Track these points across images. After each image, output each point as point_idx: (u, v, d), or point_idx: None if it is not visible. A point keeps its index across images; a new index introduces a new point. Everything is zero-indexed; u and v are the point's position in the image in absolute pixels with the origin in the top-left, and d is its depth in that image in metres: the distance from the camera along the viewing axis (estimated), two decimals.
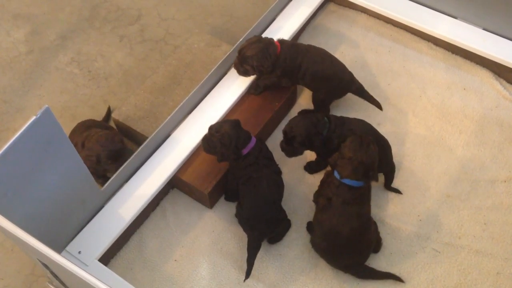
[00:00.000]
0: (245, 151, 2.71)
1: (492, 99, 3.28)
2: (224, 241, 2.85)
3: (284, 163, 2.96)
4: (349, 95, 3.19)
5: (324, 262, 2.76)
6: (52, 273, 2.20)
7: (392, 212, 2.92)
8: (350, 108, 3.25)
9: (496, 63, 3.30)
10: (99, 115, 3.37)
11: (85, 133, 2.90)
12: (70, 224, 2.61)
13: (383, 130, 3.07)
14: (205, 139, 2.75)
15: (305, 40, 3.55)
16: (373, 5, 3.55)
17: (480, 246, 2.80)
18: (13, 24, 3.90)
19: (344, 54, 3.49)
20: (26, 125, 1.97)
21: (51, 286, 2.53)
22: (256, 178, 2.69)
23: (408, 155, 3.09)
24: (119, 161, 2.80)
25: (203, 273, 2.75)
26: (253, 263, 2.66)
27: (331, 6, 3.74)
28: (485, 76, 3.35)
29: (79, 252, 2.60)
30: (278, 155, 2.89)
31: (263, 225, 2.68)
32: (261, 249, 2.72)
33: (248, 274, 2.65)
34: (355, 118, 2.92)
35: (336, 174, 2.57)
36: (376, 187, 2.94)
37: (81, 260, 2.58)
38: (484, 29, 3.37)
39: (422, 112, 3.26)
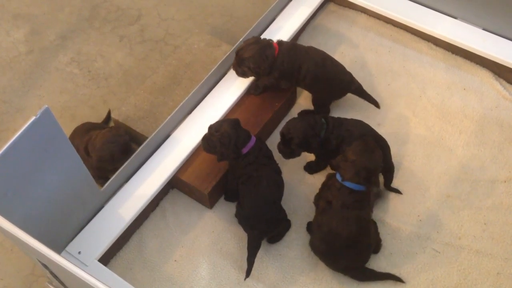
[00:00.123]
0: (244, 150, 2.71)
1: (492, 99, 3.28)
2: (224, 241, 2.85)
3: (284, 163, 2.96)
4: (349, 95, 3.20)
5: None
6: (51, 273, 2.20)
7: (392, 212, 2.91)
8: (350, 108, 3.25)
9: (496, 63, 3.30)
10: (99, 115, 3.38)
11: (86, 137, 2.90)
12: (70, 224, 2.61)
13: (383, 130, 3.07)
14: (205, 138, 2.75)
15: (305, 40, 3.55)
16: (373, 5, 3.55)
17: (480, 246, 2.80)
18: (13, 24, 3.90)
19: (344, 54, 3.49)
20: (26, 125, 1.97)
21: (51, 286, 2.53)
22: (256, 177, 2.69)
23: (408, 155, 3.09)
24: (130, 154, 2.82)
25: (203, 273, 2.74)
26: (253, 262, 2.66)
27: (331, 6, 3.74)
28: (485, 76, 3.35)
29: (79, 253, 2.60)
30: (278, 155, 2.89)
31: (263, 224, 2.68)
32: (261, 249, 2.71)
33: (248, 273, 2.65)
34: (352, 119, 2.93)
35: (338, 176, 2.57)
36: None
37: (81, 261, 2.58)
38: (484, 29, 3.37)
39: (422, 112, 3.26)
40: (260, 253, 2.73)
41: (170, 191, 3.00)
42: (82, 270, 1.71)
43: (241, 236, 2.81)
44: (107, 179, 2.74)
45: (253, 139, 2.75)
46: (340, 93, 3.17)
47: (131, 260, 2.79)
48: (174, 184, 2.97)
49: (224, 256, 2.79)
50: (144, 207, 2.78)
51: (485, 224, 2.87)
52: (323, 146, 2.84)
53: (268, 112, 3.09)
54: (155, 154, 2.91)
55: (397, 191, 2.96)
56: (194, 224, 2.90)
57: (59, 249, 2.60)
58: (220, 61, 3.11)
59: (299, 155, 2.87)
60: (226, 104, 3.08)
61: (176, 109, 2.94)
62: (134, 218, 2.74)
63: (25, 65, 3.70)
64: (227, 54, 3.12)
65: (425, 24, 3.43)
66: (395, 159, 2.94)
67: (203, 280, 2.73)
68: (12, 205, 2.13)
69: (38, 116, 1.99)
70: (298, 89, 3.29)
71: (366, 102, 3.22)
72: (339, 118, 2.92)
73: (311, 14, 3.54)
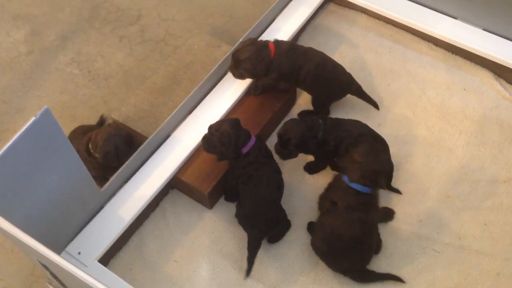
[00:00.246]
0: (245, 150, 2.72)
1: (492, 99, 3.28)
2: (224, 241, 2.85)
3: (284, 164, 2.95)
4: (349, 96, 3.19)
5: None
6: (51, 273, 2.20)
7: None
8: (350, 109, 3.25)
9: (496, 64, 3.30)
10: (99, 116, 3.37)
11: (84, 139, 2.89)
12: (69, 224, 2.61)
13: (383, 130, 3.07)
14: (205, 138, 2.75)
15: (305, 40, 3.55)
16: (373, 6, 3.55)
17: (480, 247, 2.80)
18: (13, 25, 3.90)
19: (344, 55, 3.49)
20: (26, 125, 1.97)
21: (51, 287, 2.53)
22: (256, 176, 2.70)
23: (408, 155, 3.09)
24: (133, 146, 2.82)
25: (203, 274, 2.74)
26: (253, 262, 2.66)
27: (331, 7, 3.74)
28: (485, 77, 3.35)
29: (79, 253, 2.60)
30: (277, 155, 2.88)
31: (263, 224, 2.69)
32: (261, 250, 2.72)
33: (248, 272, 2.66)
34: (351, 119, 2.93)
35: (345, 178, 2.57)
36: None
37: (80, 261, 2.58)
38: (484, 29, 3.37)
39: (422, 112, 3.26)
40: (260, 254, 2.73)
41: (170, 191, 3.00)
42: (82, 270, 1.71)
43: (241, 237, 2.81)
44: (107, 179, 2.74)
45: (253, 138, 2.76)
46: (340, 94, 3.17)
47: (131, 260, 2.79)
48: (174, 184, 2.97)
49: (224, 257, 2.79)
50: (144, 208, 2.78)
51: (485, 224, 2.86)
52: (321, 147, 2.84)
53: (268, 113, 3.09)
54: (155, 155, 2.91)
55: (397, 191, 2.96)
56: (194, 224, 2.90)
57: (59, 250, 2.60)
58: (220, 62, 3.10)
59: (296, 156, 2.88)
60: (226, 105, 3.08)
61: (176, 109, 2.94)
62: (134, 219, 2.74)
63: (25, 66, 3.70)
64: (227, 55, 3.12)
65: (425, 25, 3.43)
66: (395, 159, 2.94)
67: (203, 281, 2.73)
68: (12, 206, 2.13)
69: (38, 116, 1.99)
70: (298, 89, 3.29)
71: (366, 103, 3.22)
72: (337, 119, 2.92)
73: (311, 14, 3.54)
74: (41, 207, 2.31)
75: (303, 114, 3.21)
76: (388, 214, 2.86)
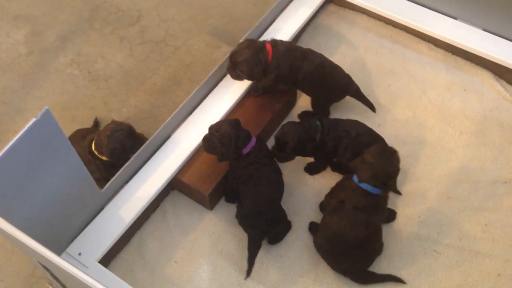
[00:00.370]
0: (245, 150, 2.72)
1: (492, 100, 3.28)
2: (224, 242, 2.84)
3: (285, 164, 2.95)
4: (348, 97, 3.19)
5: (324, 264, 2.76)
6: (52, 275, 2.20)
7: None
8: (350, 110, 3.25)
9: (496, 64, 3.30)
10: (99, 117, 3.37)
11: (85, 142, 2.89)
12: (70, 225, 2.60)
13: (383, 131, 3.07)
14: (205, 139, 2.75)
15: (305, 41, 3.55)
16: (373, 6, 3.55)
17: (481, 248, 2.80)
18: (13, 25, 3.90)
19: (344, 55, 3.49)
20: (26, 126, 1.97)
21: None
22: (256, 177, 2.70)
23: (409, 156, 3.09)
24: (137, 139, 2.83)
25: (203, 275, 2.74)
26: (253, 262, 2.66)
27: (331, 7, 3.74)
28: (486, 77, 3.35)
29: (79, 254, 2.60)
30: None
31: (263, 224, 2.69)
32: (261, 250, 2.71)
33: (249, 272, 2.66)
34: (349, 119, 2.93)
35: (355, 178, 2.56)
36: None
37: (81, 262, 2.58)
38: (484, 30, 3.37)
39: (423, 113, 3.25)
40: (260, 254, 2.73)
41: (170, 192, 3.00)
42: (82, 271, 1.71)
43: (241, 238, 2.81)
44: (107, 180, 2.74)
45: (254, 139, 2.76)
46: (339, 96, 3.16)
47: (132, 261, 2.79)
48: (174, 185, 2.97)
49: (224, 258, 2.79)
50: (144, 209, 2.78)
51: (485, 225, 2.86)
52: (320, 148, 2.84)
53: (268, 114, 3.09)
54: (155, 155, 2.91)
55: (397, 192, 2.95)
56: (194, 225, 2.90)
57: (59, 251, 2.59)
58: (220, 62, 3.10)
59: (293, 158, 2.88)
60: (226, 105, 3.08)
61: (176, 110, 2.93)
62: (134, 220, 2.74)
63: (25, 66, 3.70)
64: (228, 55, 3.12)
65: (425, 25, 3.43)
66: None
67: (204, 282, 2.72)
68: (12, 207, 2.13)
69: (38, 117, 1.99)
70: (298, 90, 3.28)
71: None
72: (335, 119, 2.92)
73: (311, 15, 3.54)
74: (42, 208, 2.31)
75: (303, 115, 3.21)
76: (389, 215, 2.86)
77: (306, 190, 3.00)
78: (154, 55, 3.73)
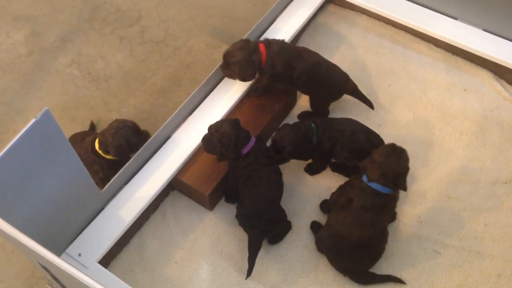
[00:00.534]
0: (245, 150, 2.72)
1: (492, 100, 3.28)
2: (224, 243, 2.84)
3: (285, 165, 2.95)
4: (348, 97, 3.19)
5: (325, 264, 2.76)
6: (52, 275, 2.20)
7: None
8: (350, 110, 3.24)
9: (497, 64, 3.29)
10: (99, 117, 3.37)
11: (87, 142, 2.89)
12: (70, 226, 2.60)
13: (383, 131, 3.07)
14: (205, 138, 2.75)
15: (305, 41, 3.55)
16: (373, 6, 3.54)
17: (481, 248, 2.79)
18: (13, 26, 3.90)
19: (344, 55, 3.49)
20: (26, 127, 1.97)
21: None
22: (255, 177, 2.70)
23: (409, 156, 3.08)
24: (141, 135, 2.83)
25: (203, 275, 2.74)
26: (254, 262, 2.66)
27: (331, 7, 3.73)
28: (486, 77, 3.35)
29: (79, 255, 2.60)
30: None
31: (263, 224, 2.69)
32: (261, 251, 2.71)
33: (249, 272, 2.66)
34: (342, 118, 2.94)
35: (364, 178, 2.56)
36: None
37: (81, 263, 2.58)
38: (484, 30, 3.37)
39: (423, 113, 3.25)
40: (260, 255, 2.72)
41: (170, 192, 3.00)
42: (82, 272, 1.70)
43: (241, 238, 2.81)
44: (107, 180, 2.74)
45: (253, 139, 2.76)
46: (336, 95, 3.15)
47: (132, 262, 2.79)
48: (174, 185, 2.97)
49: (224, 258, 2.79)
50: (144, 209, 2.77)
51: (485, 225, 2.86)
52: (317, 149, 2.84)
53: (268, 114, 3.08)
54: (155, 156, 2.91)
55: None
56: (194, 225, 2.90)
57: (59, 251, 2.59)
58: (220, 63, 3.10)
59: (289, 160, 2.88)
60: (226, 106, 3.08)
61: (176, 110, 2.93)
62: (134, 220, 2.74)
63: (25, 67, 3.70)
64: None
65: (425, 25, 3.43)
66: None
67: (204, 282, 2.72)
68: (12, 207, 2.13)
69: (38, 118, 1.99)
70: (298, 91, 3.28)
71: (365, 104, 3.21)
72: (328, 119, 2.93)
73: (311, 15, 3.54)
74: (41, 208, 2.31)
75: (303, 115, 3.21)
76: (391, 216, 2.85)
77: (307, 190, 3.00)
78: (154, 56, 3.73)
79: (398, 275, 2.71)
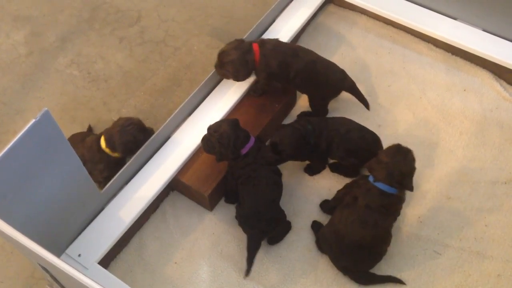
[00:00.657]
0: (244, 150, 2.72)
1: (492, 100, 3.28)
2: (224, 243, 2.84)
3: (284, 165, 2.95)
4: (347, 96, 3.18)
5: (325, 264, 2.76)
6: (51, 276, 2.20)
7: None
8: (349, 110, 3.24)
9: (496, 64, 3.29)
10: (98, 118, 3.37)
11: (89, 142, 2.88)
12: (70, 226, 2.60)
13: (383, 131, 3.08)
14: (204, 139, 2.75)
15: (305, 41, 3.55)
16: (373, 7, 3.54)
17: (481, 248, 2.79)
18: (13, 26, 3.90)
19: (344, 56, 3.49)
20: (26, 127, 1.97)
21: None
22: (254, 177, 2.70)
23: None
24: (146, 132, 2.85)
25: (203, 276, 2.74)
26: (252, 262, 2.66)
27: (331, 8, 3.73)
28: (485, 77, 3.35)
29: (79, 255, 2.60)
30: None
31: (262, 224, 2.69)
32: (261, 251, 2.71)
33: (247, 272, 2.66)
34: (335, 117, 2.96)
35: (370, 178, 2.57)
36: None
37: (81, 263, 2.57)
38: (484, 30, 3.37)
39: (422, 113, 3.25)
40: (260, 255, 2.72)
41: (170, 193, 3.00)
42: (82, 273, 1.70)
43: (241, 238, 2.81)
44: (107, 181, 2.74)
45: (252, 139, 2.76)
46: (334, 92, 3.14)
47: (131, 262, 2.79)
48: (174, 186, 2.97)
49: (224, 258, 2.79)
50: (144, 209, 2.77)
51: (485, 225, 2.86)
52: (314, 150, 2.84)
53: (268, 114, 3.08)
54: (155, 156, 2.91)
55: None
56: (194, 226, 2.90)
57: (59, 252, 2.59)
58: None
59: (286, 161, 2.88)
60: (226, 106, 3.08)
61: (176, 110, 2.93)
62: (134, 220, 2.74)
63: (25, 67, 3.70)
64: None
65: (425, 25, 3.43)
66: None
67: (204, 283, 2.72)
68: (11, 208, 2.13)
69: (38, 118, 1.99)
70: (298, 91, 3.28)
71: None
72: (322, 119, 2.93)
73: (311, 15, 3.54)
74: (41, 209, 2.30)
75: (303, 115, 3.21)
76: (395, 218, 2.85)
77: (306, 191, 3.00)
78: (154, 56, 3.73)
79: (398, 276, 2.71)
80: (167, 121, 2.89)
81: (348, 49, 3.53)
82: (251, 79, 3.12)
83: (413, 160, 2.56)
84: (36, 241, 1.74)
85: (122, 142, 2.78)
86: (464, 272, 2.73)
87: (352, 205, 2.58)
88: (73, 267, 1.73)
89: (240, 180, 2.74)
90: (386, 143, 2.87)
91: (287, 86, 3.14)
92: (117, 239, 2.68)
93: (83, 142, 2.92)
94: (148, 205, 2.79)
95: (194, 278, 2.74)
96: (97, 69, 3.67)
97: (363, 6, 3.58)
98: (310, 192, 2.98)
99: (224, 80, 3.17)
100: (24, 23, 3.92)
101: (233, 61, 2.92)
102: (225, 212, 2.93)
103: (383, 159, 2.54)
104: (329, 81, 3.05)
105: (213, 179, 2.85)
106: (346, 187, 2.77)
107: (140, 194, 2.79)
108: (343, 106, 3.26)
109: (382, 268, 2.74)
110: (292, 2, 3.55)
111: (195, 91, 3.01)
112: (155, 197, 2.82)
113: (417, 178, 3.00)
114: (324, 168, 3.05)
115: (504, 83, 3.34)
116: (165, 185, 2.84)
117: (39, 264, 2.06)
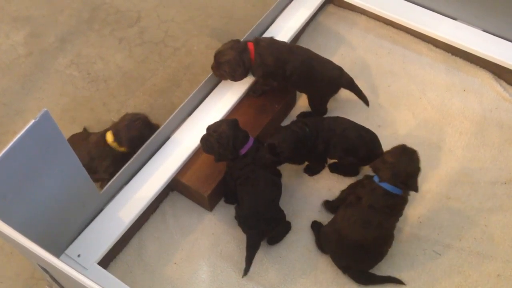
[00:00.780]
0: (242, 151, 2.72)
1: (492, 100, 3.28)
2: (224, 243, 2.84)
3: (284, 166, 2.95)
4: (346, 96, 3.18)
5: (324, 264, 2.76)
6: (51, 276, 2.20)
7: None
8: (349, 110, 3.24)
9: (496, 65, 3.29)
10: (98, 118, 3.37)
11: (95, 138, 2.88)
12: (69, 227, 2.60)
13: (383, 132, 3.07)
14: (203, 139, 2.75)
15: (304, 41, 3.55)
16: (373, 7, 3.54)
17: (481, 248, 2.79)
18: (13, 27, 3.90)
19: (343, 56, 3.49)
20: (25, 128, 1.97)
21: None
22: (253, 178, 2.70)
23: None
24: (152, 128, 2.88)
25: (203, 276, 2.74)
26: (251, 262, 2.66)
27: (331, 8, 3.73)
28: (485, 78, 3.35)
29: (79, 256, 2.60)
30: None
31: (262, 224, 2.69)
32: (261, 251, 2.71)
33: (246, 270, 2.66)
34: (329, 117, 2.97)
35: (375, 178, 2.57)
36: None
37: (80, 264, 2.57)
38: (484, 30, 3.37)
39: (422, 113, 3.25)
40: (260, 255, 2.72)
41: (170, 193, 3.00)
42: (82, 273, 1.70)
43: (241, 239, 2.81)
44: (106, 181, 2.74)
45: (251, 140, 2.76)
46: (332, 89, 3.13)
47: (131, 263, 2.79)
48: (174, 186, 2.96)
49: (224, 259, 2.79)
50: (143, 210, 2.77)
51: (485, 226, 2.86)
52: (312, 152, 2.84)
53: (267, 115, 3.08)
54: (154, 156, 2.91)
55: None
56: (194, 226, 2.90)
57: (58, 252, 2.59)
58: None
59: (282, 164, 2.88)
60: (225, 106, 3.08)
61: (176, 111, 2.93)
62: (133, 221, 2.74)
63: (25, 68, 3.70)
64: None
65: (425, 26, 3.43)
66: None
67: (203, 283, 2.72)
68: (11, 208, 2.13)
69: (37, 119, 1.99)
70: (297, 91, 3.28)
71: (365, 105, 3.20)
72: (318, 119, 2.92)
73: (311, 16, 3.54)
74: (41, 209, 2.30)
75: (302, 115, 3.21)
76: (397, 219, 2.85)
77: (306, 191, 3.00)
78: (153, 56, 3.73)
79: (397, 276, 2.71)
80: (166, 122, 2.89)
81: (348, 50, 3.53)
82: (250, 79, 3.12)
83: (418, 160, 2.57)
84: (36, 242, 1.74)
85: (129, 137, 2.80)
86: (463, 272, 2.73)
87: (355, 204, 2.58)
88: (72, 267, 1.73)
89: (239, 180, 2.74)
90: (385, 143, 2.88)
91: (285, 85, 3.13)
92: (117, 239, 2.68)
93: (86, 140, 2.93)
94: (147, 206, 2.79)
95: (194, 278, 2.74)
96: (97, 70, 3.67)
97: (363, 7, 3.58)
98: (310, 193, 2.98)
99: (224, 81, 3.17)
100: (24, 24, 3.92)
101: (229, 61, 2.92)
102: (225, 213, 2.93)
103: (388, 159, 2.55)
104: (326, 78, 3.04)
105: (212, 180, 2.85)
106: (350, 187, 2.77)
107: (140, 194, 2.79)
108: (343, 106, 3.26)
109: (382, 268, 2.74)
110: (292, 3, 3.55)
111: (194, 91, 3.01)
112: (154, 198, 2.81)
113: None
114: (323, 168, 3.05)
115: (504, 84, 3.34)
116: (164, 186, 2.84)
117: (39, 265, 2.06)
